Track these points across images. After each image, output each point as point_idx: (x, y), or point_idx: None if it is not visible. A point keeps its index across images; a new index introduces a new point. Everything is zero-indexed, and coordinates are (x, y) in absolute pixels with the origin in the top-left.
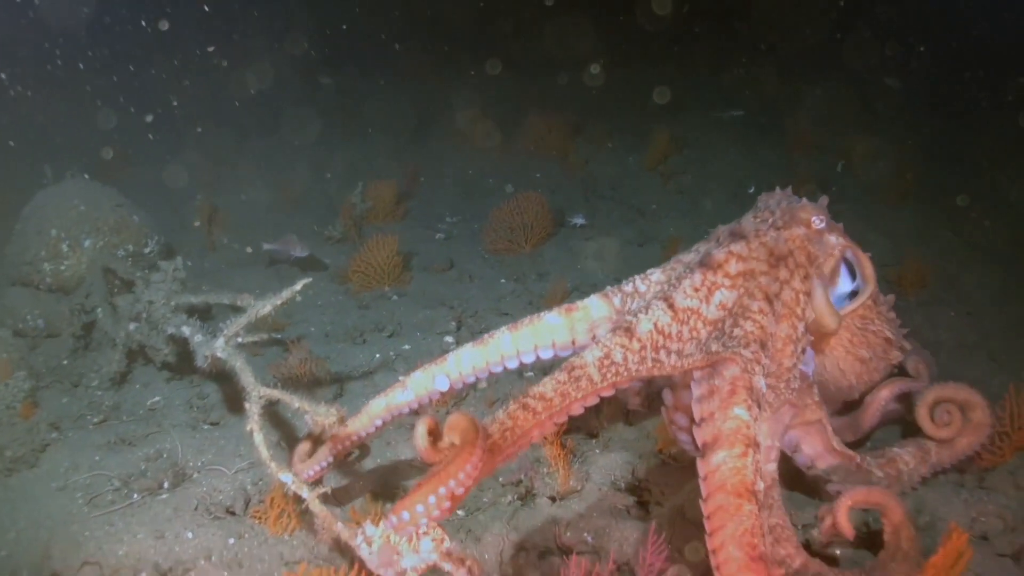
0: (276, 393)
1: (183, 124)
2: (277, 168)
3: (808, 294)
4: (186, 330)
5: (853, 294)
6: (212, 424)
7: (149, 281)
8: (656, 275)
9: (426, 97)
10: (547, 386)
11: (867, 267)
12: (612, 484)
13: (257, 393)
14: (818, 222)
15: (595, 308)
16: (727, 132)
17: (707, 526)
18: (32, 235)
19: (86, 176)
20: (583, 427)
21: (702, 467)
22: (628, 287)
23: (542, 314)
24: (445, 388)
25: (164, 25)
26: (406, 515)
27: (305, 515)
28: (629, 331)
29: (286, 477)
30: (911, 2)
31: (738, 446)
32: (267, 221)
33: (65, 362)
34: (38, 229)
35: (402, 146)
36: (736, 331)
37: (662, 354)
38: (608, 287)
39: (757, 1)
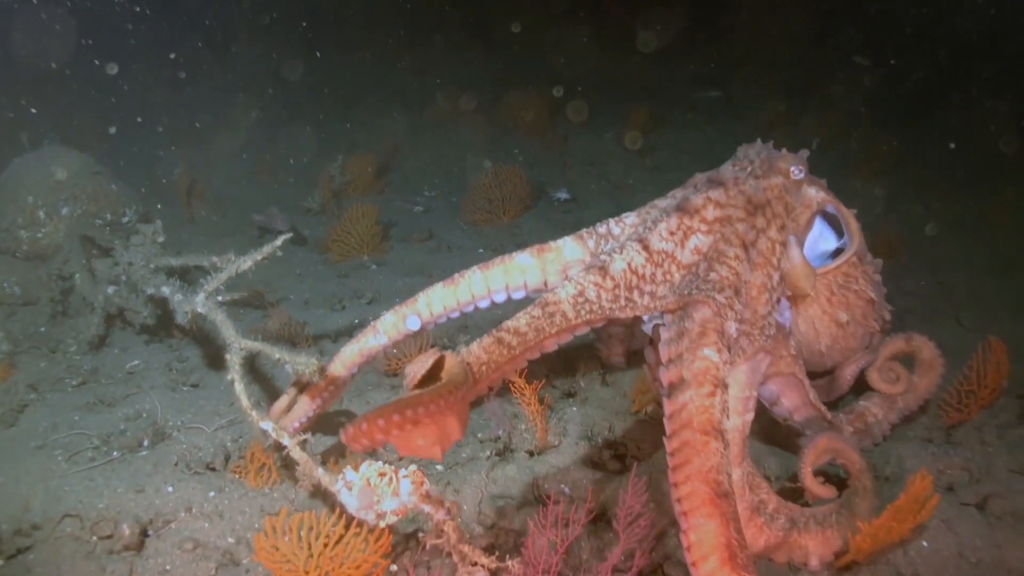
0: (256, 345)
1: (165, 116)
2: (256, 144)
3: (784, 244)
4: (166, 290)
5: (838, 252)
6: (192, 386)
7: (128, 244)
8: (631, 218)
9: (406, 75)
10: (521, 321)
11: (851, 222)
12: (589, 440)
13: (238, 345)
14: (797, 172)
15: (568, 249)
16: (704, 111)
17: (670, 462)
18: (8, 202)
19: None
20: (560, 386)
21: (668, 406)
22: (602, 229)
23: (514, 254)
24: (417, 328)
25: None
26: (364, 425)
27: (285, 469)
28: (603, 270)
29: (266, 425)
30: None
31: (706, 386)
32: (246, 194)
33: (43, 329)
34: (14, 196)
35: (382, 123)
36: (711, 275)
37: (635, 295)
38: (583, 229)
39: (739, 18)
